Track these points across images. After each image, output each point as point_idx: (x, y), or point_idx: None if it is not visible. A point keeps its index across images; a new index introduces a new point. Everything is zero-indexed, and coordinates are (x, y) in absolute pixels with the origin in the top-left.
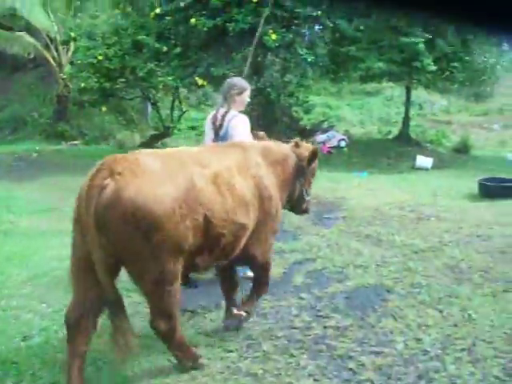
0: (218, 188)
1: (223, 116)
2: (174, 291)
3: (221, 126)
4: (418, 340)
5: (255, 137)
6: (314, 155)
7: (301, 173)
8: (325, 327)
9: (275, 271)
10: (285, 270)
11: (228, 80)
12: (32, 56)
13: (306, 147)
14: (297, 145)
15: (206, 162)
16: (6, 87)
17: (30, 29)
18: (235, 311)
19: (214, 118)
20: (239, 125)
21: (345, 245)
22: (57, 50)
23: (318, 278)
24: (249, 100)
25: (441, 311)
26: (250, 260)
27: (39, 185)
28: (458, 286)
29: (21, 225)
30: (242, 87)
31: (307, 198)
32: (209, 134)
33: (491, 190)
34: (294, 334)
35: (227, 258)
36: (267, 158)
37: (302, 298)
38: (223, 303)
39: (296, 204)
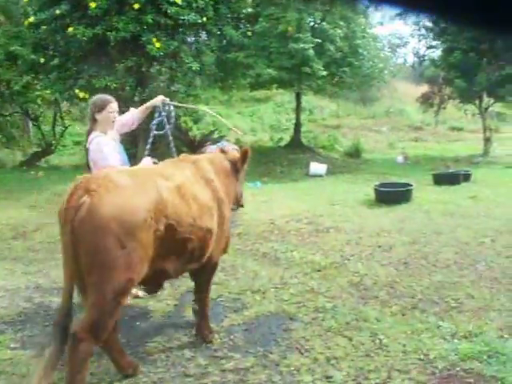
0: (183, 197)
1: (86, 139)
2: (120, 308)
3: (86, 149)
4: (329, 378)
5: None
6: (246, 155)
7: (237, 174)
8: (223, 371)
9: (162, 306)
10: (176, 301)
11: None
12: None
13: (233, 151)
14: (222, 151)
15: (167, 175)
16: None
17: None
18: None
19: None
20: (103, 148)
21: (241, 266)
22: None
23: (213, 309)
24: (116, 116)
25: (350, 339)
26: (208, 261)
27: None
28: (365, 306)
29: None
30: (102, 104)
31: (242, 194)
32: None
33: (387, 196)
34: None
35: (199, 261)
36: (213, 167)
37: (196, 336)
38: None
39: (236, 202)
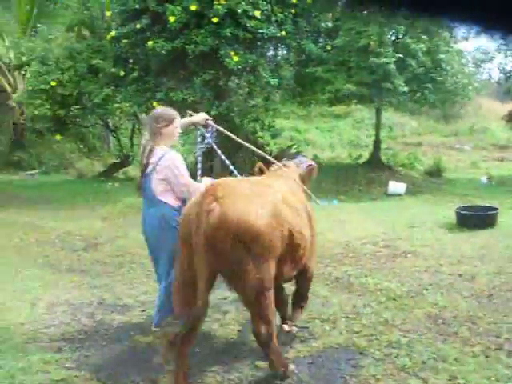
0: (289, 206)
1: (149, 153)
2: (270, 298)
3: (147, 164)
4: None
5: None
6: (313, 170)
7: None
8: None
9: (225, 331)
10: (239, 327)
11: (154, 111)
12: None
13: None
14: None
15: (271, 185)
16: None
17: None
18: (286, 328)
19: (141, 154)
20: (180, 166)
21: (311, 291)
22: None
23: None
24: (180, 131)
25: (425, 381)
26: (305, 271)
27: None
28: (444, 343)
29: None
30: (169, 118)
31: None
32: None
33: (469, 220)
34: None
35: (298, 267)
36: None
37: (257, 368)
38: (160, 378)
39: None
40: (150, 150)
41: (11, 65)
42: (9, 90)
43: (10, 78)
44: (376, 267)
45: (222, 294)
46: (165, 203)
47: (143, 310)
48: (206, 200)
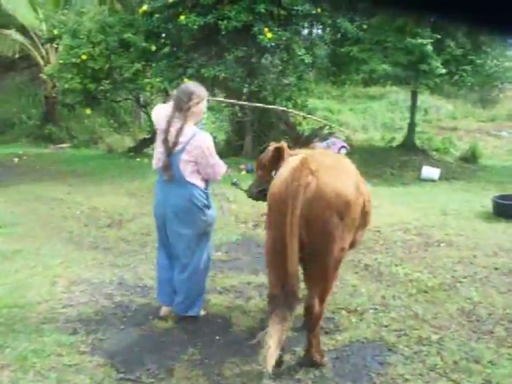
0: (358, 176)
1: (178, 132)
2: (337, 276)
3: (175, 143)
4: None
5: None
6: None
7: None
8: None
9: (246, 319)
10: (263, 315)
11: (183, 86)
12: (17, 55)
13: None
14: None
15: (342, 159)
16: None
17: (19, 26)
18: None
19: (166, 131)
20: (211, 147)
21: (339, 279)
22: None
23: (302, 331)
24: (205, 110)
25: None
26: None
27: (9, 194)
28: (478, 342)
29: None
30: (201, 96)
31: None
32: (159, 145)
33: (507, 209)
34: None
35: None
36: None
37: (279, 360)
38: (176, 367)
39: None
40: (180, 129)
41: (44, 38)
42: (41, 62)
43: (42, 51)
44: (407, 256)
45: (246, 278)
46: (193, 184)
47: None
48: (302, 174)
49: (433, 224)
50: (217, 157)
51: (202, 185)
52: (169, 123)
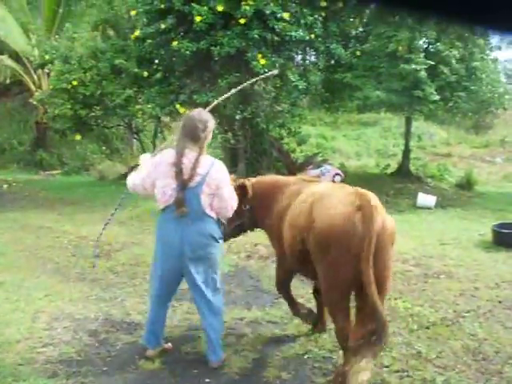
0: None
1: (195, 163)
2: None
3: (192, 175)
4: None
5: None
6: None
7: None
8: None
9: (238, 359)
10: (256, 354)
11: (195, 115)
12: (8, 81)
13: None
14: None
15: None
16: None
17: (13, 52)
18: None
19: (178, 163)
20: (226, 175)
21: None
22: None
23: (298, 371)
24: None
25: None
26: None
27: None
28: None
29: None
30: (212, 123)
31: None
32: (166, 180)
33: (507, 238)
34: None
35: None
36: None
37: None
38: None
39: None
40: (197, 160)
41: (35, 63)
42: (33, 88)
43: (34, 76)
44: (406, 288)
45: (238, 313)
46: (211, 217)
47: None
48: (374, 210)
49: (431, 254)
50: (232, 189)
51: (215, 216)
52: (181, 155)
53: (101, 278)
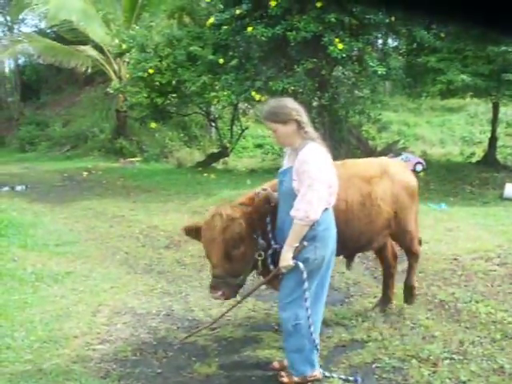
0: None
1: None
2: None
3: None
4: None
5: None
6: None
7: None
8: None
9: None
10: (321, 360)
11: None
12: (90, 70)
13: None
14: None
15: None
16: (74, 102)
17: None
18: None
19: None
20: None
21: (410, 317)
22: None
23: (364, 381)
24: None
25: None
26: None
27: (71, 210)
28: None
29: (25, 264)
30: None
31: None
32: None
33: None
34: None
35: None
36: None
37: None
38: None
39: None
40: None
41: (114, 52)
42: (114, 77)
43: (115, 66)
44: (489, 291)
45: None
46: None
47: (213, 329)
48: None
49: None
50: None
51: None
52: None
53: (168, 271)
